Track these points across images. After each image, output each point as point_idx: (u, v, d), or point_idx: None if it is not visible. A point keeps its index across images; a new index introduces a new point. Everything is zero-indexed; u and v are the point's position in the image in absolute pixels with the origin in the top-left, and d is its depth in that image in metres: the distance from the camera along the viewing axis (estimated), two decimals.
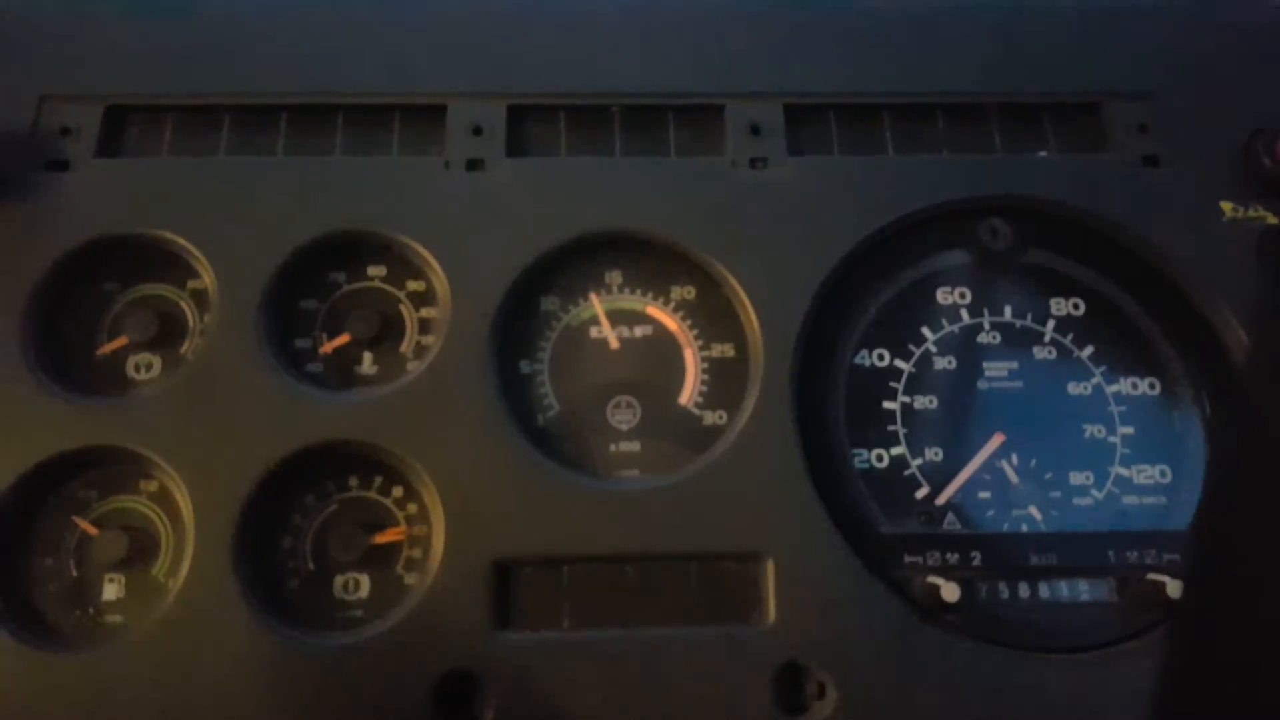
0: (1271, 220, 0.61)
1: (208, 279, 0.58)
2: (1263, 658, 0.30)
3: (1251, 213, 0.61)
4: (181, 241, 0.58)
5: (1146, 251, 0.62)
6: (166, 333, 0.58)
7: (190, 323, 0.59)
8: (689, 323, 0.61)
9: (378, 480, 0.56)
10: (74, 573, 0.54)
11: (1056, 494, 0.58)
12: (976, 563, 0.56)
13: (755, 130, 0.63)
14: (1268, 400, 0.32)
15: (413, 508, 0.56)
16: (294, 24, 0.65)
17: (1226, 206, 0.62)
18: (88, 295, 0.59)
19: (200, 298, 0.59)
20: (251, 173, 0.60)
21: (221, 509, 0.53)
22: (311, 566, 0.55)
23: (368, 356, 0.59)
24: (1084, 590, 0.56)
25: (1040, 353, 0.61)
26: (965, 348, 0.61)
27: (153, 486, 0.55)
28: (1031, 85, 0.65)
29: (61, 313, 0.58)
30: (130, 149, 0.62)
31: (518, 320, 0.59)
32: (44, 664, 0.51)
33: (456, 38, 0.65)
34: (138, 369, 0.58)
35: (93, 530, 0.54)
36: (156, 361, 0.58)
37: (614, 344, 0.59)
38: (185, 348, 0.58)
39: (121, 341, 0.58)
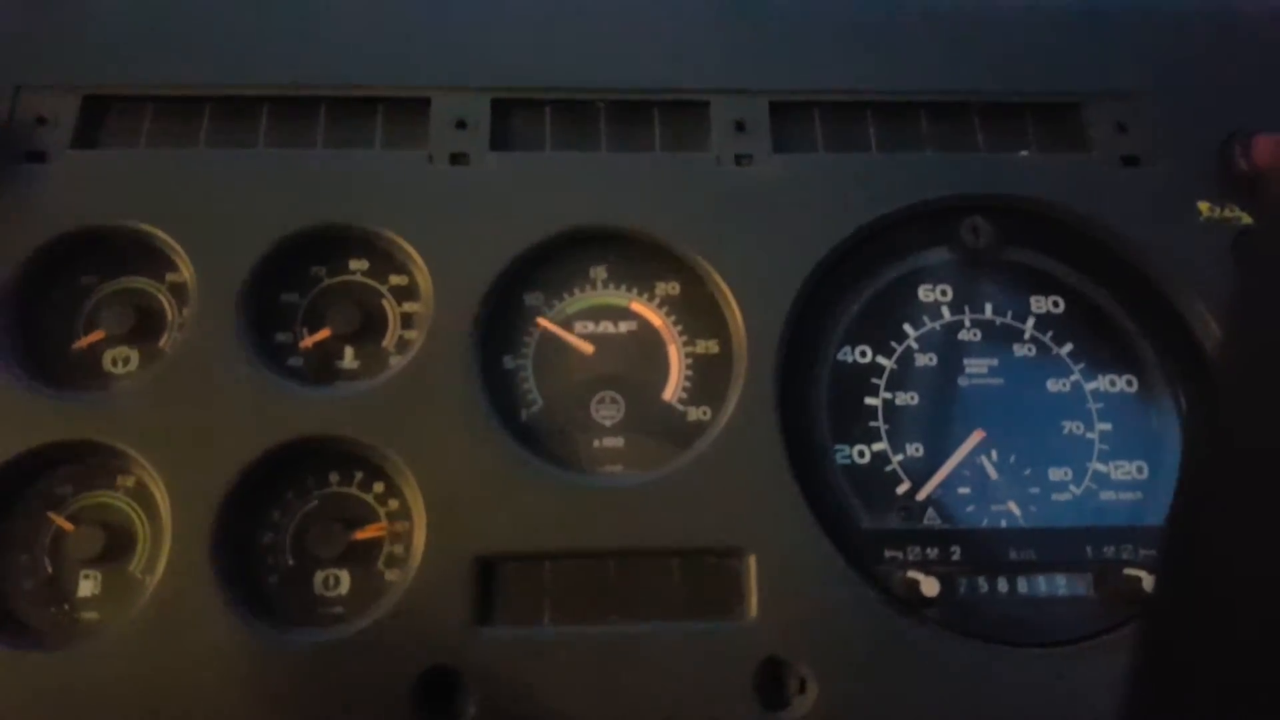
0: (1246, 220, 0.62)
1: (186, 272, 0.58)
2: (1237, 650, 0.31)
3: (1227, 212, 0.62)
4: (160, 234, 0.58)
5: (1124, 250, 0.62)
6: (144, 326, 0.57)
7: (169, 316, 0.58)
8: (673, 318, 0.61)
9: (359, 476, 0.56)
10: (49, 569, 0.53)
11: (1035, 490, 0.58)
12: (956, 557, 0.56)
13: (740, 127, 0.63)
14: (1241, 397, 0.32)
15: (394, 504, 0.55)
16: (276, 14, 0.64)
17: (1203, 206, 0.63)
18: (64, 288, 0.58)
19: (179, 291, 0.58)
20: (232, 165, 0.60)
21: (199, 505, 0.52)
22: (291, 562, 0.54)
23: (349, 351, 0.59)
24: (1061, 585, 0.56)
25: (1020, 350, 0.61)
26: (946, 345, 0.61)
27: (130, 482, 0.55)
28: (1014, 85, 0.66)
29: (37, 306, 0.58)
30: (108, 140, 0.61)
31: (501, 315, 0.59)
32: (18, 662, 0.50)
33: (441, 30, 0.64)
34: (115, 363, 0.57)
35: (68, 526, 0.54)
36: (134, 355, 0.57)
37: (587, 350, 0.59)
38: (163, 341, 0.58)
39: (98, 335, 0.57)
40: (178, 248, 0.58)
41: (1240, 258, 0.61)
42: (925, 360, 0.61)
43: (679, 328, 0.61)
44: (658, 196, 0.61)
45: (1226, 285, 0.60)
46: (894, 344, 0.61)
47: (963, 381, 0.60)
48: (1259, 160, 0.62)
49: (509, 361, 0.59)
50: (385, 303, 0.60)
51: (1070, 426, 0.60)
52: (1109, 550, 0.57)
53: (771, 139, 0.63)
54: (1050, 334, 0.62)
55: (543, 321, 0.59)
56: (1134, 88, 0.66)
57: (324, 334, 0.58)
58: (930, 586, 0.53)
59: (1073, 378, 0.61)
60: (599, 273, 0.61)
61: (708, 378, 0.59)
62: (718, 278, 0.59)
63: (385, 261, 0.60)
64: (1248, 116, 0.63)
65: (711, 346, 0.60)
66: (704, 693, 0.52)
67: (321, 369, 0.58)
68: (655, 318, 0.61)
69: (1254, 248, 0.61)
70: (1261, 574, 0.30)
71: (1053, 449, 0.59)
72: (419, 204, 0.59)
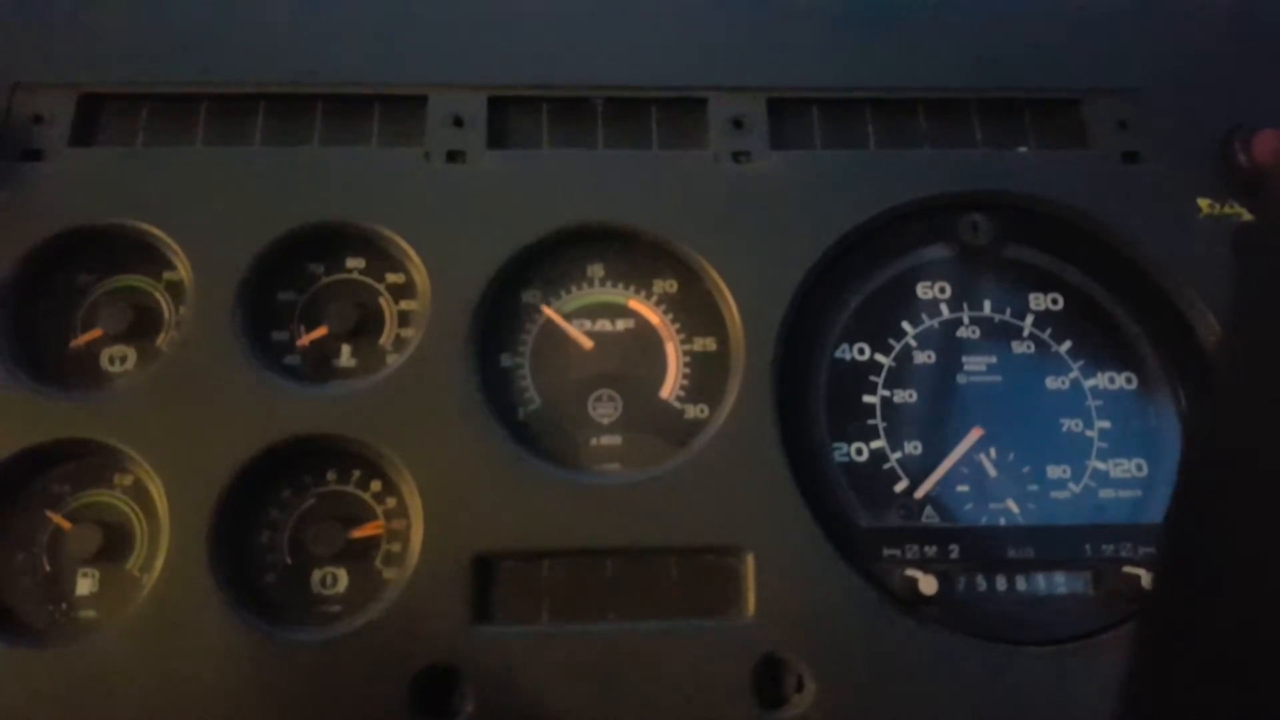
0: (1246, 217, 0.62)
1: (183, 270, 0.58)
2: (1235, 648, 0.30)
3: (1227, 209, 0.62)
4: (157, 232, 0.57)
5: (1124, 247, 0.62)
6: (141, 325, 0.57)
7: (165, 315, 0.58)
8: (671, 316, 0.61)
9: (356, 474, 0.56)
10: (47, 568, 0.53)
11: (1034, 487, 0.58)
12: (954, 555, 0.56)
13: (738, 124, 0.63)
14: (1240, 394, 0.32)
15: (391, 502, 0.55)
16: (272, 12, 0.64)
17: (1203, 203, 0.62)
18: (61, 287, 0.58)
19: (176, 289, 0.58)
20: (228, 163, 0.60)
21: (197, 503, 0.52)
22: (289, 561, 0.54)
23: (346, 349, 0.58)
24: (1060, 583, 0.56)
25: (1019, 347, 0.61)
26: (945, 342, 0.61)
27: (127, 480, 0.55)
28: (1013, 81, 0.66)
29: (35, 304, 0.58)
30: (105, 138, 0.61)
31: (498, 313, 0.59)
32: (16, 660, 0.50)
33: (438, 27, 0.64)
34: (112, 361, 0.57)
35: (66, 524, 0.54)
36: (131, 354, 0.57)
37: (587, 345, 0.59)
38: (160, 340, 0.58)
39: (95, 334, 0.57)
40: (175, 246, 0.57)
41: (1240, 254, 0.60)
42: (924, 358, 0.60)
43: (677, 325, 0.60)
44: (655, 194, 0.60)
45: (1226, 282, 0.60)
46: (892, 341, 0.61)
47: (961, 379, 0.60)
48: (1260, 156, 0.61)
49: (506, 359, 0.59)
50: (382, 301, 0.60)
51: (1069, 424, 0.60)
52: (1108, 548, 0.57)
53: (769, 136, 0.62)
54: (1049, 331, 0.62)
55: (548, 310, 0.59)
56: (1134, 83, 0.65)
57: (321, 332, 0.58)
58: (929, 584, 0.53)
59: (1072, 375, 0.61)
60: (596, 270, 0.61)
61: (705, 375, 0.59)
62: (715, 275, 0.59)
63: (382, 259, 0.60)
64: (1248, 112, 0.63)
65: (709, 344, 0.60)
66: (702, 691, 0.52)
67: (318, 367, 0.58)
68: (653, 315, 0.61)
69: (1254, 244, 0.60)
70: (1260, 571, 0.30)
71: (1051, 447, 0.59)
72: (416, 202, 0.59)
